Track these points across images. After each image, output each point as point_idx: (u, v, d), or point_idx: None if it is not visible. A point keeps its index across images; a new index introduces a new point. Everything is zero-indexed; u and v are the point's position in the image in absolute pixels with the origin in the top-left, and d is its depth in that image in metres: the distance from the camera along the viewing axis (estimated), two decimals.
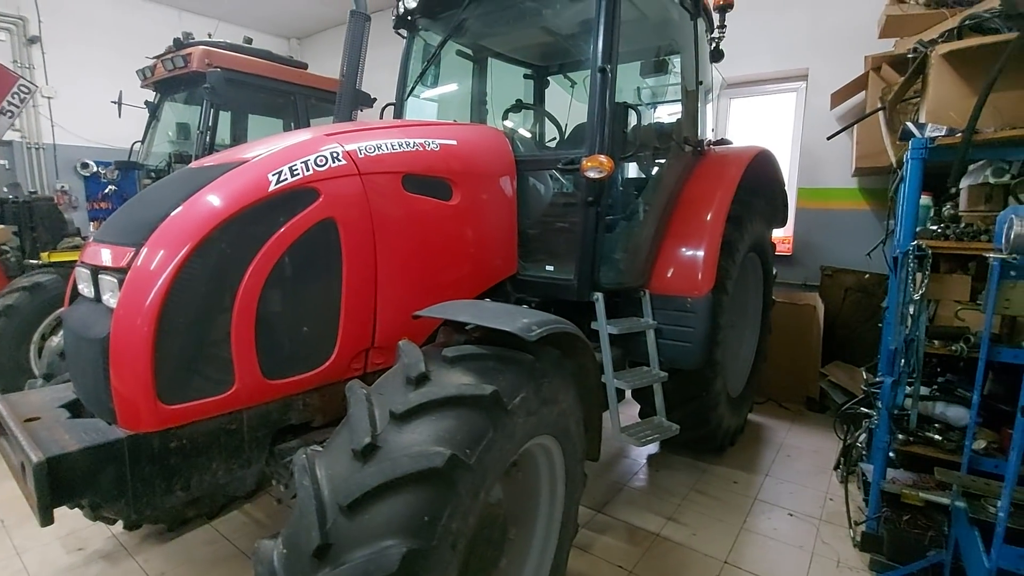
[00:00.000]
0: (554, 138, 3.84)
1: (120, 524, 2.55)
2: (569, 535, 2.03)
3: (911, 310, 2.29)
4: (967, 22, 2.63)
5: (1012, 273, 2.04)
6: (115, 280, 1.57)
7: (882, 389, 2.51)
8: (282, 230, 1.72)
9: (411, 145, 2.17)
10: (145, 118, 5.44)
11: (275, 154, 1.83)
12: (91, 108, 6.54)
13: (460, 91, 3.76)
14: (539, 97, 4.25)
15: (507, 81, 4.01)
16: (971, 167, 2.58)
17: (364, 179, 1.95)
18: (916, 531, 2.39)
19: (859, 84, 4.12)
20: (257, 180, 1.72)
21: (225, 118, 5.24)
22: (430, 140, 2.26)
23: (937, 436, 2.51)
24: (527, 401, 1.56)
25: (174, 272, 1.51)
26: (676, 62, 3.25)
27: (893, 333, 2.43)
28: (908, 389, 2.41)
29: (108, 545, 2.62)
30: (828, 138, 4.15)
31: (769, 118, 5.34)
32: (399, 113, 3.33)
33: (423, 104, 3.48)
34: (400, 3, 3.12)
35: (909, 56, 2.93)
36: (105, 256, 1.65)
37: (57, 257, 4.34)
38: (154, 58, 5.11)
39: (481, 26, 3.29)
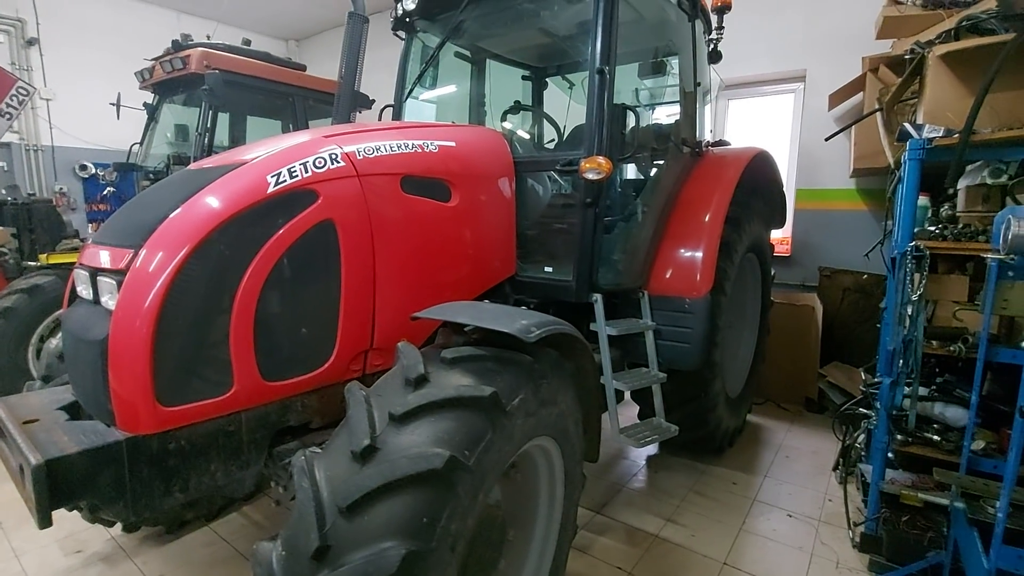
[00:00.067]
0: (552, 139, 3.84)
1: (119, 526, 2.55)
2: (568, 536, 2.03)
3: (909, 311, 2.30)
4: (964, 23, 2.64)
5: (1010, 273, 2.04)
6: (114, 282, 1.57)
7: (880, 390, 2.52)
8: (281, 232, 1.72)
9: (410, 147, 2.17)
10: (143, 120, 5.44)
11: (274, 156, 1.83)
12: (89, 110, 6.53)
13: (459, 93, 3.77)
14: (537, 98, 4.25)
15: (505, 82, 4.01)
16: (968, 168, 2.59)
17: (363, 181, 1.95)
18: (915, 532, 2.39)
19: (857, 85, 4.13)
20: (256, 182, 1.72)
21: (224, 120, 5.23)
22: (429, 142, 2.26)
23: (936, 437, 2.51)
24: (526, 402, 1.56)
25: (173, 274, 1.51)
26: (674, 63, 3.26)
27: (891, 334, 2.44)
28: (906, 390, 2.41)
29: (107, 547, 2.61)
30: (826, 139, 4.15)
31: (767, 119, 5.35)
32: (398, 115, 3.33)
33: (422, 106, 3.48)
34: (398, 5, 3.13)
35: (906, 57, 2.95)
36: (104, 258, 1.65)
37: (56, 259, 4.34)
38: (152, 60, 5.11)
39: (479, 28, 3.30)
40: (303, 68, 5.77)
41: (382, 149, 2.07)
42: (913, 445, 2.53)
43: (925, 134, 2.34)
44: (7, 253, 4.47)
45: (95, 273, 1.67)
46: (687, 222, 3.05)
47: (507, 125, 3.82)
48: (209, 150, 4.68)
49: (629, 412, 3.28)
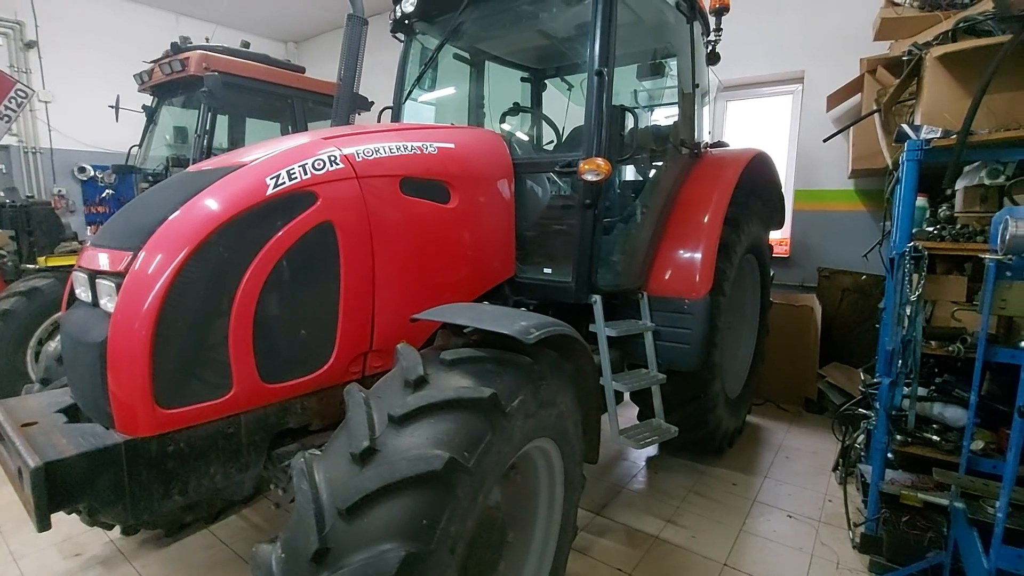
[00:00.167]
0: (551, 141, 3.85)
1: (117, 529, 2.53)
2: (568, 538, 2.02)
3: (908, 311, 2.30)
4: (961, 24, 2.65)
5: (1008, 274, 2.05)
6: (113, 284, 1.57)
7: (880, 390, 2.52)
8: (280, 234, 1.72)
9: (409, 148, 2.18)
10: (142, 122, 5.44)
11: (273, 158, 1.83)
12: (88, 112, 6.53)
13: (457, 94, 3.77)
14: (536, 100, 4.26)
15: (504, 84, 4.01)
16: (966, 168, 2.59)
17: (362, 182, 1.95)
18: (915, 532, 2.39)
19: (855, 86, 4.14)
20: (255, 184, 1.72)
21: (223, 122, 5.24)
22: (428, 143, 2.27)
23: (935, 437, 2.51)
24: (525, 404, 1.56)
25: (172, 276, 1.51)
26: (672, 65, 3.26)
27: (890, 334, 2.44)
28: (906, 390, 2.41)
29: (106, 550, 2.60)
30: (824, 140, 4.17)
31: (766, 120, 5.36)
32: (397, 116, 3.33)
33: (421, 107, 3.49)
34: (397, 7, 3.13)
35: (904, 59, 2.95)
36: (103, 260, 1.65)
37: (54, 261, 4.33)
38: (151, 62, 5.11)
39: (478, 30, 3.30)
40: (302, 70, 5.78)
41: (381, 151, 2.07)
42: (913, 445, 2.53)
43: (923, 135, 2.34)
44: (5, 256, 4.46)
45: (94, 275, 1.67)
46: (686, 223, 3.05)
47: (506, 127, 3.82)
48: (208, 152, 4.69)
49: (629, 413, 3.28)
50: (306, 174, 1.81)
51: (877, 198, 4.44)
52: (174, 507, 1.64)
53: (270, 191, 1.72)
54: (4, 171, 6.42)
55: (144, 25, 7.31)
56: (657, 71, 3.05)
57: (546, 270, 2.74)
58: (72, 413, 1.74)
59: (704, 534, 2.80)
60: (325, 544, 1.18)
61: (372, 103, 5.46)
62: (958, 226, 2.51)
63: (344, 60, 2.67)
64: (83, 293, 1.76)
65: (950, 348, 2.37)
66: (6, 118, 5.58)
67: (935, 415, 2.56)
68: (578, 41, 3.24)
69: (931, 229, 2.54)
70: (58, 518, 1.45)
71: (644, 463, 3.63)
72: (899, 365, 2.36)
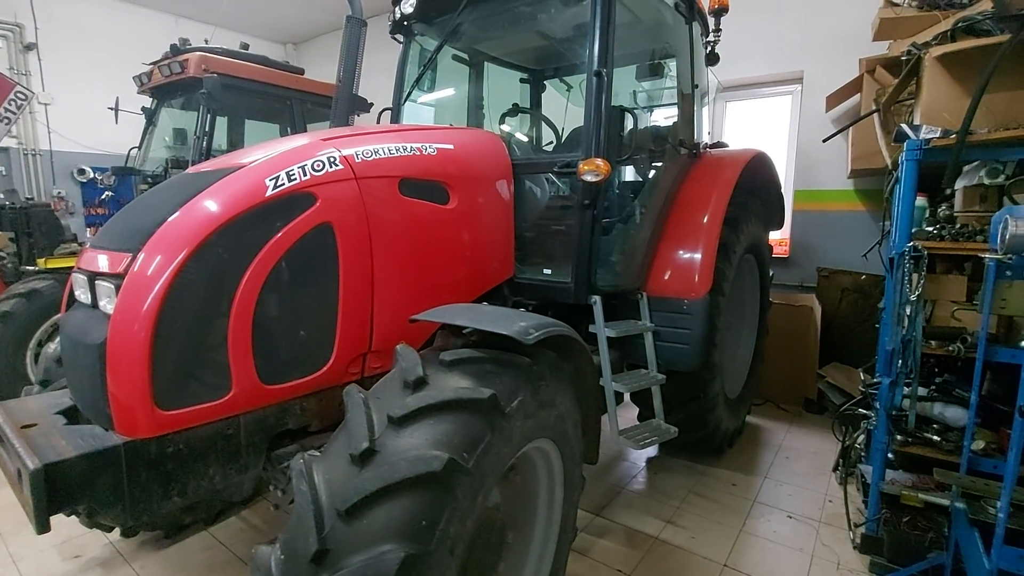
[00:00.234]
0: (550, 142, 3.85)
1: (117, 531, 2.53)
2: (568, 539, 2.02)
3: (908, 311, 2.30)
4: (960, 24, 2.65)
5: (1008, 273, 2.05)
6: (112, 286, 1.57)
7: (880, 390, 2.52)
8: (279, 235, 1.72)
9: (408, 149, 2.18)
10: (142, 124, 5.45)
11: (272, 159, 1.83)
12: (88, 114, 6.54)
13: (457, 95, 3.77)
14: (535, 101, 4.26)
15: (503, 85, 4.02)
16: (966, 168, 2.59)
17: (361, 183, 1.95)
18: (916, 532, 2.39)
19: (854, 87, 4.14)
20: (254, 185, 1.72)
21: (222, 123, 5.24)
22: (427, 144, 2.27)
23: (936, 437, 2.51)
24: (525, 404, 1.56)
25: (171, 277, 1.51)
26: (672, 66, 3.26)
27: (890, 334, 2.44)
28: (906, 390, 2.41)
29: (105, 552, 2.60)
30: (824, 140, 4.17)
31: (765, 121, 5.36)
32: (396, 118, 3.34)
33: (420, 109, 3.49)
34: (396, 8, 3.14)
35: (903, 59, 2.96)
36: (102, 262, 1.65)
37: (54, 263, 4.33)
38: (151, 64, 5.12)
39: (477, 31, 3.30)
40: (301, 72, 5.78)
41: (380, 152, 2.07)
42: (913, 445, 2.53)
43: (922, 135, 2.34)
44: (5, 257, 4.46)
45: (93, 277, 1.67)
46: (685, 223, 3.05)
47: (505, 128, 3.82)
48: (207, 154, 4.69)
49: (628, 414, 3.28)
50: (305, 175, 1.81)
51: (876, 198, 4.44)
52: (173, 508, 1.64)
53: (269, 192, 1.72)
54: (4, 173, 6.42)
55: (143, 27, 7.31)
56: (656, 72, 3.05)
57: (545, 271, 2.74)
58: (71, 415, 1.74)
59: (704, 535, 2.80)
60: (324, 545, 1.18)
61: (371, 104, 5.46)
62: (958, 225, 2.51)
63: (343, 61, 2.67)
64: (82, 295, 1.76)
65: (950, 348, 2.36)
66: (6, 120, 5.59)
67: (935, 415, 2.56)
68: (577, 42, 3.24)
69: (931, 229, 2.54)
70: (57, 520, 1.45)
71: (644, 464, 3.62)
72: (899, 365, 2.36)
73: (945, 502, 2.28)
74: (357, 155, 1.99)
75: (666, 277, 2.97)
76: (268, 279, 1.68)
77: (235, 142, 5.40)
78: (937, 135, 2.32)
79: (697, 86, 3.37)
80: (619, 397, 2.74)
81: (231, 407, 1.65)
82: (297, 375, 1.81)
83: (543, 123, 3.93)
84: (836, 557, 2.61)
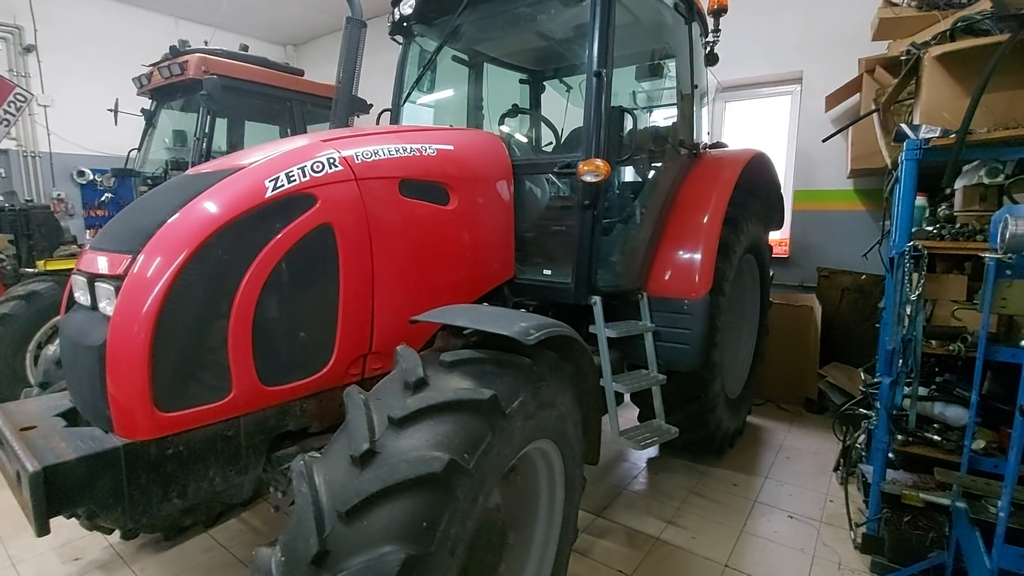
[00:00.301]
0: (550, 142, 3.85)
1: (117, 533, 2.53)
2: (568, 539, 2.02)
3: (908, 310, 2.30)
4: (959, 24, 2.65)
5: (1008, 272, 2.05)
6: (111, 288, 1.56)
7: (880, 389, 2.52)
8: (279, 236, 1.72)
9: (408, 150, 2.18)
10: (141, 126, 5.44)
11: (272, 160, 1.83)
12: (87, 116, 6.54)
13: (456, 96, 3.77)
14: (535, 102, 4.26)
15: (503, 86, 4.02)
16: (965, 168, 2.59)
17: (361, 184, 1.95)
18: (917, 532, 2.39)
19: (853, 86, 4.14)
20: (254, 186, 1.72)
21: (222, 125, 5.24)
22: (427, 145, 2.27)
23: (936, 436, 2.51)
24: (525, 405, 1.55)
25: (171, 279, 1.50)
26: (671, 66, 3.27)
27: (890, 333, 2.44)
28: (906, 389, 2.41)
29: (105, 555, 2.60)
30: (823, 140, 4.17)
31: (764, 121, 5.36)
32: (395, 119, 3.34)
33: (419, 110, 3.49)
34: (396, 9, 3.14)
35: (902, 58, 2.96)
36: (101, 264, 1.65)
37: (53, 265, 4.33)
38: (150, 66, 5.12)
39: (476, 31, 3.30)
40: (301, 73, 5.78)
41: (380, 153, 2.07)
42: (914, 445, 2.53)
43: (922, 134, 2.34)
44: (5, 259, 4.46)
45: (93, 279, 1.67)
46: (685, 223, 3.05)
47: (505, 128, 3.82)
48: (207, 155, 4.68)
49: (629, 414, 3.27)
50: (305, 176, 1.81)
51: (876, 198, 4.45)
52: (173, 510, 1.64)
53: (269, 193, 1.72)
54: (3, 175, 6.42)
55: (143, 28, 7.31)
56: (656, 72, 3.05)
57: (545, 271, 2.74)
58: (71, 417, 1.73)
59: (705, 535, 2.80)
60: (325, 547, 1.17)
61: (371, 105, 5.46)
62: (958, 225, 2.51)
63: (343, 63, 2.67)
64: (82, 296, 1.75)
65: (950, 347, 2.36)
66: (5, 122, 5.58)
67: (936, 414, 2.56)
68: (576, 42, 3.24)
69: (931, 228, 2.54)
70: (57, 522, 1.44)
71: (645, 464, 3.62)
72: (899, 364, 2.36)
73: (946, 502, 2.28)
74: (357, 156, 1.99)
75: (666, 277, 2.97)
76: (268, 280, 1.68)
77: (235, 143, 5.40)
78: (937, 135, 2.32)
79: (696, 86, 3.38)
80: (619, 397, 2.74)
81: (231, 409, 1.65)
82: (297, 376, 1.81)
83: (543, 124, 3.94)
84: (837, 557, 2.61)
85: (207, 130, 4.71)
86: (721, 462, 3.59)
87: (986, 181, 2.49)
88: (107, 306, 1.58)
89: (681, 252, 2.98)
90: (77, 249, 4.64)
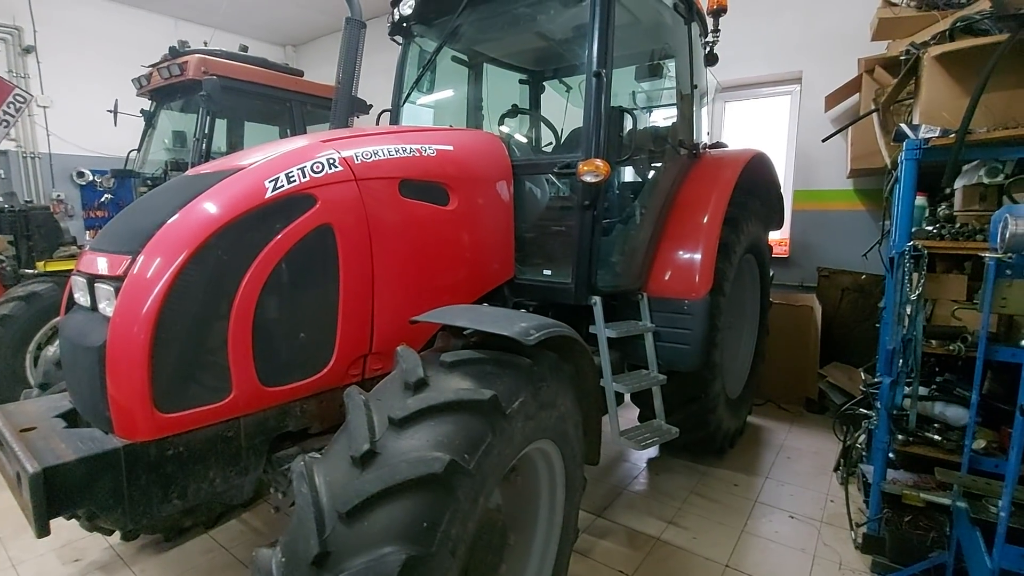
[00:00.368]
0: (550, 143, 3.85)
1: (117, 534, 2.53)
2: (569, 540, 2.02)
3: (908, 310, 2.30)
4: (958, 24, 2.65)
5: (1008, 272, 2.04)
6: (111, 288, 1.56)
7: (881, 389, 2.52)
8: (279, 236, 1.71)
9: (408, 151, 2.18)
10: (141, 126, 5.45)
11: (272, 161, 1.83)
12: (87, 117, 6.54)
13: (456, 97, 3.77)
14: (535, 102, 4.26)
15: (503, 86, 4.02)
16: (965, 167, 2.59)
17: (361, 185, 1.95)
18: (918, 532, 2.38)
19: (853, 86, 4.15)
20: (254, 187, 1.72)
21: (221, 125, 5.24)
22: (427, 145, 2.27)
23: (937, 436, 2.50)
24: (526, 405, 1.55)
25: (171, 280, 1.50)
26: (671, 66, 3.27)
27: (891, 333, 2.44)
28: (907, 389, 2.41)
29: (105, 556, 2.59)
30: (823, 140, 4.17)
31: (764, 121, 5.36)
32: (395, 119, 3.34)
33: (419, 110, 3.49)
34: (395, 10, 3.14)
35: (902, 58, 2.96)
36: (101, 265, 1.65)
37: (53, 266, 4.33)
38: (150, 66, 5.12)
39: (476, 32, 3.30)
40: (300, 73, 5.79)
41: (380, 153, 2.07)
42: (914, 445, 2.53)
43: (921, 134, 2.34)
44: (4, 260, 4.46)
45: (93, 280, 1.67)
46: (685, 224, 3.05)
47: (505, 129, 3.82)
48: (207, 156, 4.69)
49: (629, 414, 3.27)
50: (305, 177, 1.81)
51: (876, 197, 4.45)
52: (173, 511, 1.63)
53: (269, 194, 1.72)
54: (3, 176, 6.41)
55: (142, 29, 7.31)
56: (655, 72, 3.05)
57: (545, 272, 2.74)
58: (71, 418, 1.73)
59: (706, 535, 2.80)
60: (325, 548, 1.17)
61: (371, 106, 5.47)
62: (957, 225, 2.51)
63: (342, 63, 2.67)
64: (82, 297, 1.75)
65: (951, 347, 2.36)
66: (4, 123, 5.58)
67: (936, 414, 2.56)
68: (576, 43, 3.24)
69: (930, 228, 2.54)
70: (57, 523, 1.44)
71: (645, 464, 3.62)
72: (900, 364, 2.36)
73: (946, 501, 2.28)
74: (357, 156, 1.99)
75: (666, 277, 2.97)
76: (268, 281, 1.68)
77: (234, 144, 5.40)
78: (936, 134, 2.32)
79: (696, 86, 3.38)
80: (620, 398, 2.74)
81: (231, 409, 1.64)
82: (297, 377, 1.81)
83: (542, 124, 3.94)
84: (838, 557, 2.61)
85: (207, 131, 4.71)
86: (721, 462, 3.58)
87: (986, 181, 2.49)
88: (107, 307, 1.58)
89: (681, 252, 2.98)
90: (77, 250, 4.64)
